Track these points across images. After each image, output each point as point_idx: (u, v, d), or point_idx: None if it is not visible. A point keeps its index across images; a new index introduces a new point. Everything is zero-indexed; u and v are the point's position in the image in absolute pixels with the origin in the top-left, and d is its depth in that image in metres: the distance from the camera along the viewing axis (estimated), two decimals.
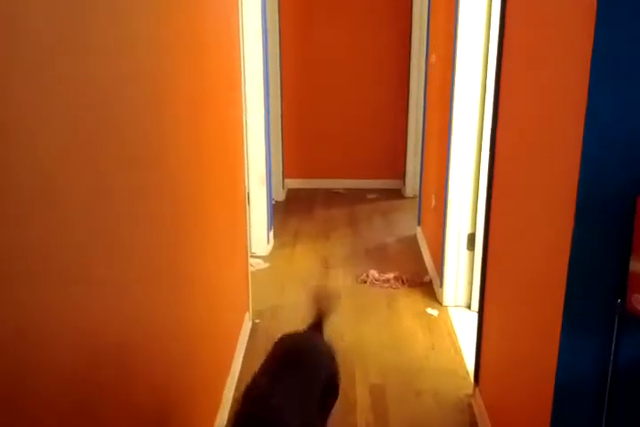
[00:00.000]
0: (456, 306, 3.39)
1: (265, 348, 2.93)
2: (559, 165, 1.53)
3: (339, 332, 3.12)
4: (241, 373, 2.72)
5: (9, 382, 0.82)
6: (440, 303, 3.43)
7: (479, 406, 2.38)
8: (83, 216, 1.05)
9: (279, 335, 2.00)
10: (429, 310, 3.36)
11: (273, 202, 4.85)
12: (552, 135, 1.61)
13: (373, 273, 3.78)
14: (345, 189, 5.85)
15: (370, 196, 5.68)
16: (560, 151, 1.53)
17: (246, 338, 3.00)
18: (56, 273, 0.96)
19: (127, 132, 1.28)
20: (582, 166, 1.37)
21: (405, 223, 4.90)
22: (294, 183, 5.91)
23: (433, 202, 3.85)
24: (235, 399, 1.86)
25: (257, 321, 3.22)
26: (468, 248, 3.31)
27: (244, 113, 3.03)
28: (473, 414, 2.43)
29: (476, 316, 2.63)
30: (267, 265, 4.01)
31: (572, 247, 1.42)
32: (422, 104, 4.58)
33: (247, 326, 3.08)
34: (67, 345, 1.00)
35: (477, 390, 2.45)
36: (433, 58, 3.96)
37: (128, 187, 1.28)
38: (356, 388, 2.62)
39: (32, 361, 0.89)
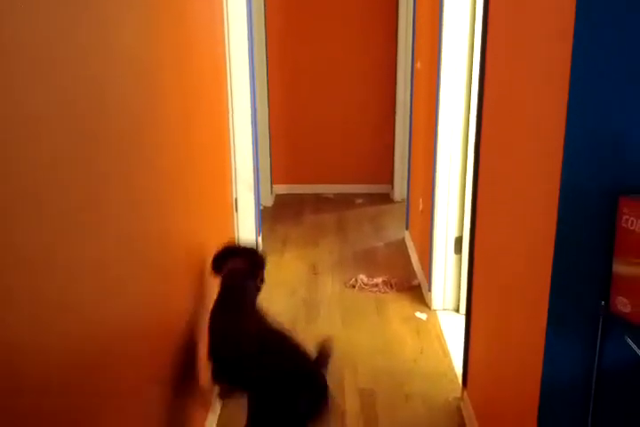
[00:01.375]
0: (444, 309, 3.41)
1: None
2: (542, 168, 1.55)
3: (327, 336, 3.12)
4: None
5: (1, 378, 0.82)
6: (428, 307, 3.44)
7: (467, 409, 2.39)
8: (73, 208, 1.06)
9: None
10: (418, 314, 3.37)
11: (261, 208, 4.85)
12: (535, 139, 1.63)
13: (362, 278, 3.79)
14: (333, 195, 5.86)
15: (358, 200, 5.70)
16: (542, 154, 1.55)
17: None
18: (47, 270, 0.96)
19: (119, 139, 1.29)
20: (564, 169, 1.39)
21: (394, 228, 4.91)
22: (282, 189, 5.92)
23: (420, 206, 3.87)
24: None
25: None
26: (455, 252, 3.33)
27: (230, 120, 3.03)
28: (462, 417, 2.44)
29: (463, 319, 2.65)
30: None
31: (555, 250, 1.44)
32: (409, 109, 4.61)
33: None
34: (56, 345, 1.00)
35: (465, 393, 2.47)
36: (418, 64, 3.99)
37: (117, 193, 1.29)
38: (346, 392, 2.63)
39: (25, 357, 0.89)
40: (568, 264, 1.45)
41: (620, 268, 1.39)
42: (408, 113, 4.74)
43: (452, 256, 3.34)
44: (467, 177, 3.17)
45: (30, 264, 0.92)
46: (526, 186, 1.70)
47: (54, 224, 1.00)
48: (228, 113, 2.97)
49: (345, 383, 2.69)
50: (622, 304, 1.40)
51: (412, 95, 4.38)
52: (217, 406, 2.43)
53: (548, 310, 1.48)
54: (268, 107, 5.43)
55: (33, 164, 0.93)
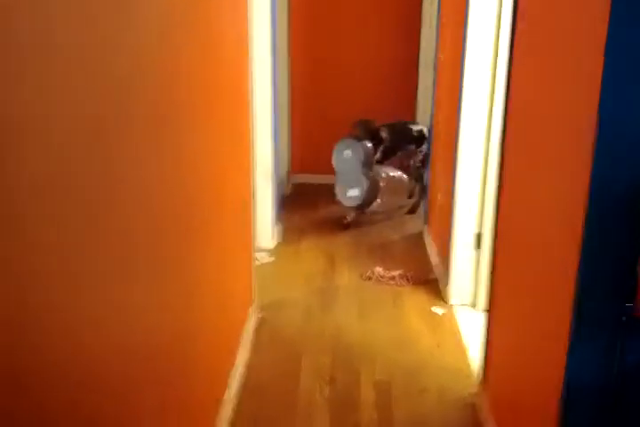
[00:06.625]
0: (462, 305, 3.38)
1: (270, 341, 2.95)
2: (570, 164, 1.53)
3: (343, 328, 3.12)
4: (246, 367, 2.72)
5: (7, 381, 0.81)
6: (445, 302, 3.42)
7: (484, 405, 2.38)
8: (86, 208, 1.05)
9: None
10: (435, 309, 3.36)
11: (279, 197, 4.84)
12: (563, 132, 1.60)
13: (379, 270, 3.78)
14: None
15: None
16: (571, 150, 1.52)
17: (251, 332, 3.01)
18: (60, 269, 0.95)
19: (137, 129, 1.28)
20: (594, 166, 1.37)
21: (412, 221, 4.89)
22: (300, 178, 5.90)
23: (440, 200, 3.84)
24: None
25: (261, 315, 3.22)
26: (474, 247, 3.30)
27: (251, 109, 3.02)
28: (477, 413, 2.43)
29: (481, 315, 2.63)
30: (272, 259, 4.01)
31: (582, 249, 1.42)
32: (430, 103, 4.57)
33: (252, 319, 3.08)
34: (70, 343, 1.00)
35: (483, 388, 2.45)
36: (442, 56, 3.94)
37: (135, 181, 1.28)
38: (361, 384, 2.62)
39: (33, 361, 0.88)
40: (595, 263, 1.42)
41: None
42: (429, 106, 4.70)
43: (472, 252, 3.31)
44: (488, 172, 3.14)
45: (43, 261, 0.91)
46: (553, 183, 1.68)
47: (70, 222, 0.99)
48: (249, 103, 2.95)
49: (361, 375, 2.69)
50: None
51: (434, 88, 4.33)
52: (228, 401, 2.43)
53: (573, 308, 1.46)
54: (289, 97, 5.40)
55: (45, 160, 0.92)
